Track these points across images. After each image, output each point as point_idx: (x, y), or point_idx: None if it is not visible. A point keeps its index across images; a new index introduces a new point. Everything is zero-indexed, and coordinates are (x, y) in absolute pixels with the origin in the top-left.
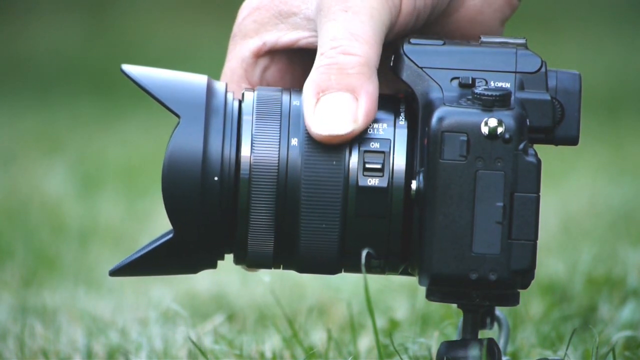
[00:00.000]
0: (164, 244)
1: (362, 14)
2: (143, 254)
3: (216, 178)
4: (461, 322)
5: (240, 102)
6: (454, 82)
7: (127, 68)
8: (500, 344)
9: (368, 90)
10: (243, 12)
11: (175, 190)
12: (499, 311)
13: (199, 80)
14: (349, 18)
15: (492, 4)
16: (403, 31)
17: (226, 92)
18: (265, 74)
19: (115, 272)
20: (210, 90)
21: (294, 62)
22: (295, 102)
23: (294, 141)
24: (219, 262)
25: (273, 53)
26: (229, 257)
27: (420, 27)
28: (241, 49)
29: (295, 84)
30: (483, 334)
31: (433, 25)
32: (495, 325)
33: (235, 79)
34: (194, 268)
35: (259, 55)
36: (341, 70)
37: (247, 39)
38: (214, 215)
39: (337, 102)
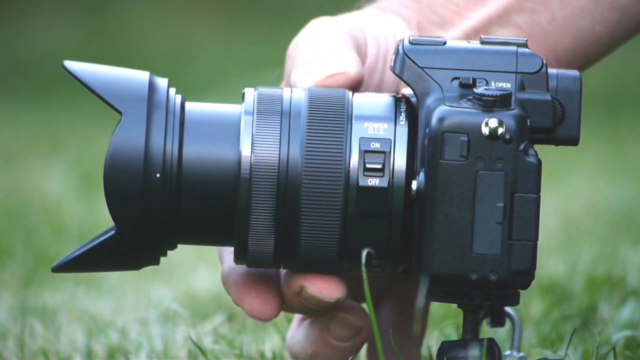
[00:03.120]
0: (106, 241)
1: (327, 33)
2: (85, 250)
3: (158, 175)
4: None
5: (183, 98)
6: (454, 82)
7: (69, 64)
8: (515, 341)
9: (352, 54)
10: None
11: (117, 187)
12: (511, 309)
13: (141, 76)
14: (317, 37)
15: None
16: (374, 71)
17: (168, 88)
18: None
19: (57, 269)
20: (152, 86)
21: None
22: (295, 106)
23: (295, 140)
24: (219, 262)
25: None
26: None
27: (394, 83)
28: None
29: None
30: (496, 331)
31: None
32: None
33: None
34: (136, 265)
35: None
36: (322, 46)
37: None
38: (156, 212)
39: (326, 58)
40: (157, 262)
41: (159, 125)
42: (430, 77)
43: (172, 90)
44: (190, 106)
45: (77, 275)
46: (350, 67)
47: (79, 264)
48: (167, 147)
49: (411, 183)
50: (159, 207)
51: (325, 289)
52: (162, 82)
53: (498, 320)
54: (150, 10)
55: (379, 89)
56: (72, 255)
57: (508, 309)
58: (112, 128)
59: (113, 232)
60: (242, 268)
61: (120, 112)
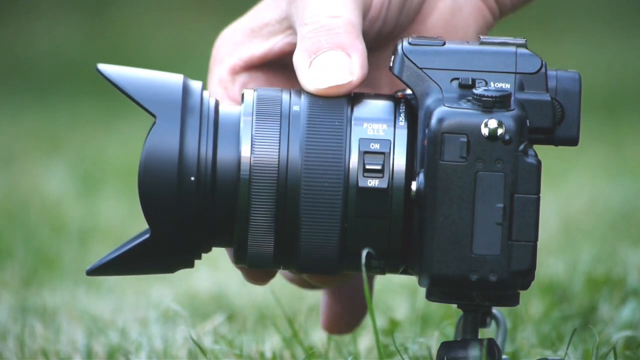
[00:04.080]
0: (141, 244)
1: None
2: (120, 253)
3: (192, 178)
4: (458, 322)
5: (217, 101)
6: (454, 83)
7: (103, 67)
8: (498, 342)
9: (358, 48)
10: (218, 42)
11: (151, 191)
12: (496, 310)
13: (175, 79)
14: None
15: (463, 8)
16: (376, 21)
17: (202, 91)
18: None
19: (92, 272)
20: (186, 89)
21: (274, 75)
22: (295, 107)
23: (294, 141)
24: (219, 262)
25: (250, 68)
26: (227, 257)
27: (393, 26)
28: (218, 70)
29: None
30: (480, 332)
31: (407, 32)
32: (493, 323)
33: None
34: (170, 268)
35: (236, 72)
36: (329, 31)
37: (223, 62)
38: (191, 215)
39: (331, 58)
40: (191, 265)
41: (193, 128)
42: (430, 77)
43: (206, 93)
44: (224, 109)
45: (77, 275)
46: (355, 75)
47: (113, 267)
48: (201, 150)
49: (411, 184)
50: (194, 210)
51: (323, 278)
52: (196, 85)
53: (482, 320)
54: (150, 11)
55: (377, 37)
56: (106, 258)
57: (493, 309)
58: (112, 128)
59: (147, 235)
60: None
61: (154, 116)
